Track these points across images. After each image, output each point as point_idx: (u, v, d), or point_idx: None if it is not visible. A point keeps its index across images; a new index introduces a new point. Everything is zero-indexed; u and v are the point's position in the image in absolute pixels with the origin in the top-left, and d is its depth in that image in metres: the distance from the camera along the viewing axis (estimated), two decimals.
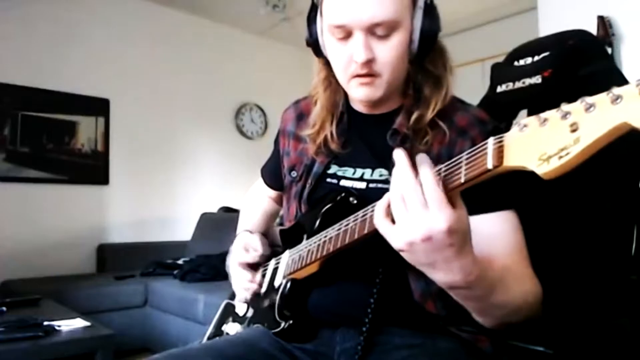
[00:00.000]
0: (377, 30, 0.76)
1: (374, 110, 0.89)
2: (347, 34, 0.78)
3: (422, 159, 0.60)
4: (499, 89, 1.13)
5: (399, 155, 0.61)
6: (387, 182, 0.82)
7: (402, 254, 0.62)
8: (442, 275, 0.62)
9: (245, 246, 1.03)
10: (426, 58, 0.84)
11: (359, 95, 0.83)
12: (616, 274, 0.95)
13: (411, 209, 0.58)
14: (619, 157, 0.90)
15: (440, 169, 0.60)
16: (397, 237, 0.60)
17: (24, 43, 3.41)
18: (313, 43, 0.86)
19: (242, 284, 1.00)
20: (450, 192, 0.59)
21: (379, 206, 0.64)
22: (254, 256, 1.00)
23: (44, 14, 3.49)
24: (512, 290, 0.69)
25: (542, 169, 0.49)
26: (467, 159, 0.58)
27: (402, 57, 0.80)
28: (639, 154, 0.93)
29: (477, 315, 0.71)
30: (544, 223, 0.99)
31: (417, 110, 0.83)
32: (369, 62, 0.78)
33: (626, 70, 1.11)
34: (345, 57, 0.80)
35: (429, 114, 0.82)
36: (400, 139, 0.83)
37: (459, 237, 0.59)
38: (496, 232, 0.79)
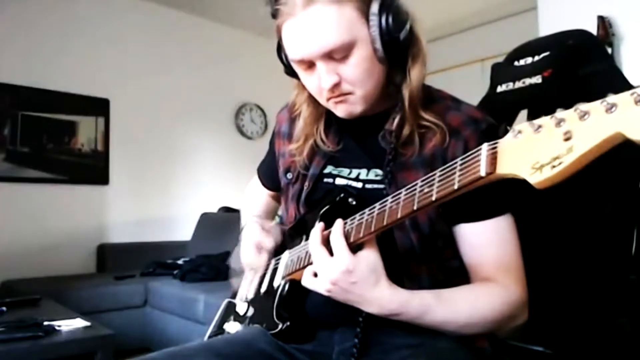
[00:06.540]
0: (334, 55, 0.76)
1: (365, 113, 0.87)
2: (310, 64, 0.79)
3: (337, 223, 0.72)
4: (499, 89, 1.13)
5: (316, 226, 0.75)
6: (382, 182, 0.82)
7: (330, 295, 0.71)
8: (368, 308, 0.71)
9: (265, 227, 1.02)
10: (407, 54, 0.81)
11: (340, 114, 0.84)
12: (616, 274, 0.95)
13: (321, 261, 0.71)
14: (620, 157, 0.90)
15: (434, 175, 0.61)
16: (319, 285, 0.71)
17: (24, 43, 3.41)
18: (290, 72, 0.88)
19: (253, 264, 0.99)
20: (366, 237, 0.69)
21: (307, 271, 0.75)
22: (270, 241, 0.99)
23: (43, 13, 3.49)
24: (461, 306, 0.74)
25: (535, 178, 0.47)
26: (461, 164, 0.57)
27: (369, 70, 0.78)
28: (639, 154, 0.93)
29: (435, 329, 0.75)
30: (544, 223, 0.99)
31: (399, 113, 0.82)
32: (337, 85, 0.78)
33: (626, 70, 1.11)
34: (315, 85, 0.81)
35: (409, 116, 0.81)
36: (391, 140, 0.83)
37: (361, 275, 0.68)
38: (481, 242, 0.79)
